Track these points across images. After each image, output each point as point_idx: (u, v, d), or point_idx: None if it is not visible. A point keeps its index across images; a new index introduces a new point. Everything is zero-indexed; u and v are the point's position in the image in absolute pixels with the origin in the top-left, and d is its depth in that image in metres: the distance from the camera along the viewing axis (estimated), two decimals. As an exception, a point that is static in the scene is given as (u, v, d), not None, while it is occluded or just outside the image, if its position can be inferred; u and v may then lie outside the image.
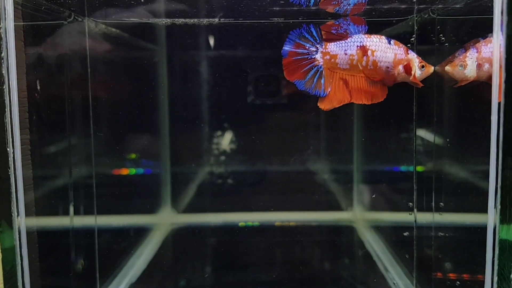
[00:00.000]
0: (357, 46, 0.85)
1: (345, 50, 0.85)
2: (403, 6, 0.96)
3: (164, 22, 1.01)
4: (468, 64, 0.86)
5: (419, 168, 1.06)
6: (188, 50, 1.27)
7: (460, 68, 0.86)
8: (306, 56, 0.86)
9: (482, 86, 0.86)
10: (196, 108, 1.29)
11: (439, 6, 0.93)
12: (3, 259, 0.78)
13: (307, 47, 0.86)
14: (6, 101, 0.73)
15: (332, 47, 0.85)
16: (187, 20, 0.99)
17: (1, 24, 0.72)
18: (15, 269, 0.78)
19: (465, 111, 0.97)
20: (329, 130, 1.32)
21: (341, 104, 0.88)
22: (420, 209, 1.04)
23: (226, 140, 1.32)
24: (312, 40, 0.86)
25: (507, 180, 0.70)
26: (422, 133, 1.05)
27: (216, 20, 0.98)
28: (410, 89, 1.00)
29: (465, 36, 0.92)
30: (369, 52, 0.85)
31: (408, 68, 0.86)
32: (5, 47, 0.73)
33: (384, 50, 0.86)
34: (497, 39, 0.68)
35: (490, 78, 0.71)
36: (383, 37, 0.86)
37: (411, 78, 0.86)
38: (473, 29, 0.90)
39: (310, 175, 1.33)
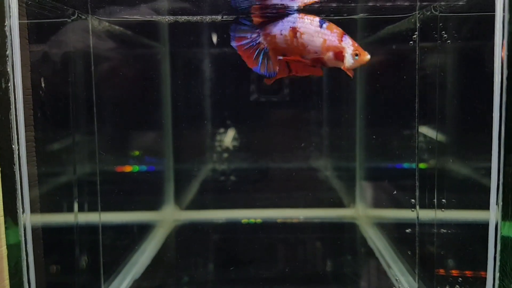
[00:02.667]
0: (290, 27, 0.84)
1: (280, 30, 0.85)
2: (405, 4, 0.96)
3: (167, 20, 1.01)
4: None
5: (422, 165, 1.06)
6: (191, 48, 1.27)
7: None
8: (252, 44, 0.87)
9: (484, 82, 0.86)
10: (199, 105, 1.29)
11: (442, 3, 0.93)
12: (8, 255, 0.79)
13: (248, 37, 0.87)
14: (11, 99, 0.74)
15: (271, 27, 0.86)
16: (190, 18, 0.99)
17: (6, 22, 0.73)
18: (20, 265, 0.79)
19: (468, 108, 0.97)
20: (332, 127, 1.32)
21: (280, 77, 0.88)
22: (422, 206, 1.04)
23: (229, 137, 1.33)
24: (250, 28, 0.87)
25: (509, 177, 0.70)
26: (424, 130, 1.05)
27: (219, 17, 0.98)
28: (412, 86, 1.00)
29: (467, 33, 0.92)
30: (298, 34, 0.83)
31: (338, 55, 0.82)
32: (10, 45, 0.73)
33: (312, 34, 0.82)
34: (499, 36, 0.68)
35: None
36: (316, 19, 0.83)
37: (342, 66, 0.83)
38: (475, 26, 0.90)
39: (313, 172, 1.33)
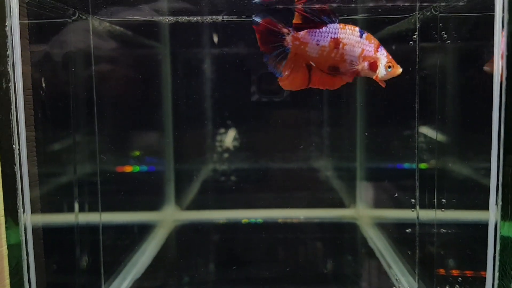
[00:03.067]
0: (331, 37, 0.82)
1: (317, 40, 0.83)
2: (405, 4, 0.96)
3: (167, 20, 1.01)
4: None
5: (422, 165, 1.06)
6: (192, 48, 1.27)
7: None
8: (277, 34, 0.83)
9: (484, 83, 0.86)
10: (199, 106, 1.29)
11: (442, 4, 0.93)
12: (9, 255, 0.79)
13: (279, 26, 0.83)
14: (12, 99, 0.74)
15: (304, 34, 0.82)
16: (191, 18, 0.99)
17: (7, 22, 0.73)
18: (20, 264, 0.79)
19: (468, 108, 0.97)
20: (332, 128, 1.32)
21: (299, 89, 0.86)
22: (423, 206, 1.04)
23: (229, 138, 1.33)
24: (284, 22, 0.84)
25: (508, 177, 0.70)
26: (424, 130, 1.05)
27: (220, 18, 0.98)
28: (412, 86, 1.00)
29: (467, 33, 0.92)
30: (340, 45, 0.82)
31: (373, 66, 0.82)
32: (11, 45, 0.73)
33: (354, 44, 0.82)
34: (498, 37, 0.68)
35: None
36: (357, 28, 0.82)
37: (374, 76, 0.84)
38: (475, 27, 0.90)
39: (313, 172, 1.33)
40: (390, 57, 0.83)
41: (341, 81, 0.86)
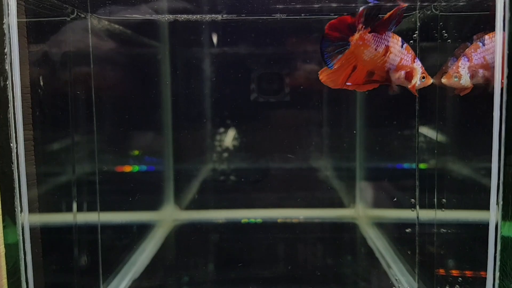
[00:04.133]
0: (385, 45, 0.83)
1: (377, 46, 0.84)
2: (406, 3, 0.96)
3: (166, 19, 1.01)
4: (462, 74, 0.86)
5: (422, 165, 1.05)
6: (191, 47, 1.27)
7: (455, 79, 0.86)
8: (352, 28, 0.82)
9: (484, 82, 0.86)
10: (199, 105, 1.29)
11: (442, 3, 0.93)
12: (6, 255, 0.78)
13: (360, 20, 0.81)
14: (9, 97, 0.74)
15: (369, 38, 0.82)
16: (190, 17, 0.99)
17: (4, 20, 0.72)
18: (18, 264, 0.78)
19: (468, 108, 0.97)
20: (332, 127, 1.32)
21: (335, 88, 0.86)
22: (423, 206, 1.04)
23: (229, 137, 1.32)
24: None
25: (509, 177, 0.70)
26: (424, 130, 1.05)
27: (219, 16, 0.98)
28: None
29: (468, 32, 0.92)
30: (388, 53, 0.84)
31: (409, 76, 0.85)
32: (8, 43, 0.73)
33: (397, 53, 0.84)
34: (500, 35, 0.68)
35: (486, 81, 0.70)
36: (400, 38, 0.85)
37: (409, 86, 0.86)
38: (476, 26, 0.90)
39: (313, 172, 1.33)
40: (423, 68, 0.86)
41: (371, 85, 0.87)
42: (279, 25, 1.06)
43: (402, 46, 0.85)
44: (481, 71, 0.84)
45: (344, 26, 0.82)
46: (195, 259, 1.23)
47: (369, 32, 0.83)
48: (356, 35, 0.82)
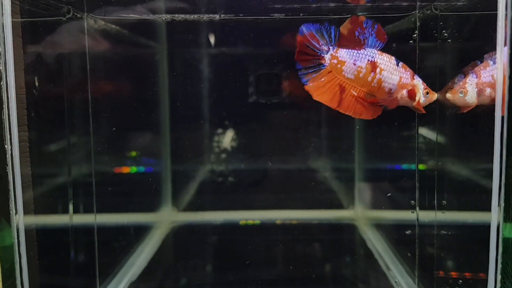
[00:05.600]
0: (368, 60, 0.83)
1: (355, 60, 0.83)
2: (405, 3, 0.95)
3: (164, 18, 1.00)
4: (469, 90, 0.85)
5: (421, 166, 1.05)
6: (189, 47, 1.26)
7: (460, 95, 0.85)
8: (316, 51, 0.84)
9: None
10: (197, 106, 1.28)
11: (442, 3, 0.92)
12: (1, 257, 0.78)
13: (320, 43, 0.84)
14: (4, 98, 0.73)
15: (343, 53, 0.83)
16: (187, 16, 0.98)
17: (-1, 19, 0.72)
18: (13, 267, 0.78)
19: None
20: (331, 128, 1.31)
21: (325, 104, 0.86)
22: (423, 208, 1.03)
23: (227, 138, 1.32)
24: (327, 39, 0.84)
25: (510, 179, 0.70)
26: (424, 131, 1.04)
27: (217, 16, 0.97)
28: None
29: (469, 32, 0.91)
30: (378, 70, 0.83)
31: (412, 94, 0.85)
32: (3, 42, 0.72)
33: (392, 71, 0.84)
34: (501, 34, 0.67)
35: (492, 101, 0.70)
36: (393, 57, 0.85)
37: (414, 103, 0.86)
38: (476, 25, 0.89)
39: (312, 173, 1.32)
40: (425, 83, 0.86)
41: (375, 110, 0.86)
42: (278, 25, 1.05)
43: (397, 65, 0.85)
44: (488, 89, 0.83)
45: (307, 51, 0.83)
46: (193, 261, 1.23)
47: (339, 47, 0.83)
48: (326, 56, 0.83)
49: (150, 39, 1.24)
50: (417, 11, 0.96)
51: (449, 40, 0.94)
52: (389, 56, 0.85)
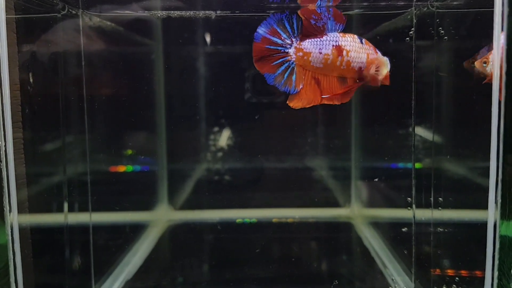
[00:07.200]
0: (333, 45, 0.82)
1: (320, 48, 0.82)
2: (401, 1, 0.95)
3: (159, 15, 1.00)
4: (491, 61, 0.85)
5: (418, 165, 1.05)
6: (185, 45, 1.26)
7: (484, 64, 0.85)
8: (279, 48, 0.82)
9: (482, 79, 0.85)
10: (193, 104, 1.28)
11: (439, 1, 0.92)
12: (-4, 256, 0.77)
13: (282, 38, 0.82)
14: (-3, 94, 0.72)
15: (307, 44, 0.81)
16: (183, 13, 0.97)
17: (-8, 15, 0.71)
18: (7, 265, 0.77)
19: (465, 106, 0.96)
20: (327, 127, 1.31)
21: (311, 105, 0.85)
22: (419, 205, 1.03)
23: (223, 137, 1.31)
24: (290, 31, 0.82)
25: (507, 175, 0.69)
26: (421, 128, 1.04)
27: (213, 13, 0.96)
28: (408, 85, 0.99)
29: (465, 29, 0.91)
30: (344, 52, 0.82)
31: (379, 67, 0.84)
32: (-4, 38, 0.71)
33: (358, 50, 0.83)
34: (498, 31, 0.67)
35: None
36: (356, 36, 0.84)
37: (382, 77, 0.85)
38: (473, 22, 0.89)
39: (308, 171, 1.32)
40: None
41: (351, 91, 0.86)
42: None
43: (362, 42, 0.83)
44: None
45: (270, 52, 0.82)
46: (189, 260, 1.22)
47: (301, 40, 0.82)
48: (291, 50, 0.81)
49: (146, 36, 1.23)
50: (413, 8, 0.96)
51: (446, 37, 0.94)
52: (352, 35, 0.83)
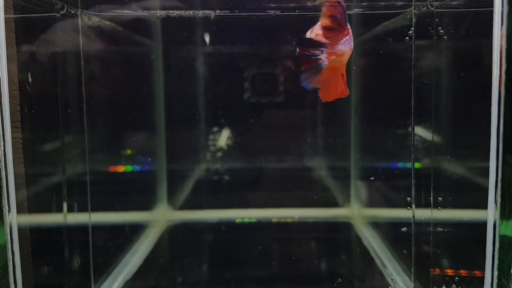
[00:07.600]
0: (350, 34, 0.83)
1: (351, 45, 0.82)
2: (400, 1, 0.95)
3: (158, 15, 1.00)
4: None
5: (417, 165, 1.05)
6: (184, 45, 1.26)
7: None
8: (313, 57, 0.83)
9: (480, 80, 0.85)
10: (192, 104, 1.28)
11: (438, 0, 0.92)
12: (-5, 256, 0.77)
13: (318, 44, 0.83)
14: (-4, 94, 0.72)
15: (340, 46, 0.82)
16: (182, 13, 0.97)
17: (-9, 14, 0.71)
18: (7, 265, 0.77)
19: (465, 105, 0.96)
20: (326, 127, 1.31)
21: (336, 98, 0.85)
22: (419, 205, 1.03)
23: (223, 137, 1.31)
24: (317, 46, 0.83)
25: (507, 175, 0.69)
26: (420, 128, 1.04)
27: (212, 13, 0.96)
28: (408, 83, 0.99)
29: (465, 29, 0.91)
30: (351, 32, 0.83)
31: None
32: (-5, 38, 0.71)
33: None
34: (497, 30, 0.67)
35: None
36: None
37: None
38: (472, 22, 0.89)
39: (308, 171, 1.32)
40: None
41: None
42: (274, 22, 1.05)
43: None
44: None
45: (308, 58, 0.82)
46: (188, 259, 1.22)
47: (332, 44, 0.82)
48: (322, 56, 0.82)
49: (145, 36, 1.23)
50: (412, 8, 0.96)
51: (445, 37, 0.93)
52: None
